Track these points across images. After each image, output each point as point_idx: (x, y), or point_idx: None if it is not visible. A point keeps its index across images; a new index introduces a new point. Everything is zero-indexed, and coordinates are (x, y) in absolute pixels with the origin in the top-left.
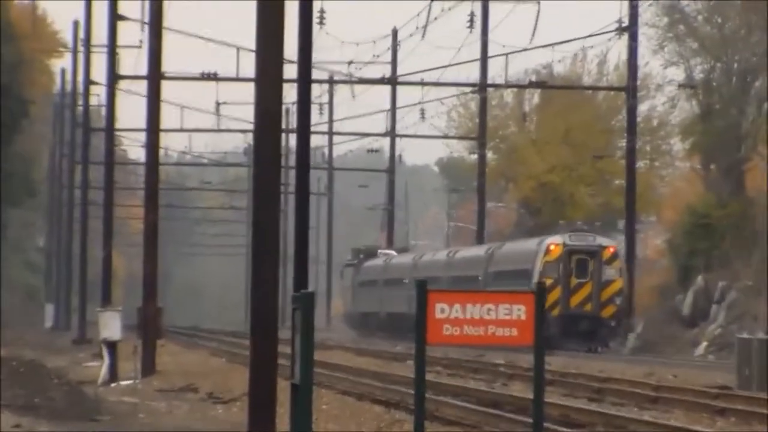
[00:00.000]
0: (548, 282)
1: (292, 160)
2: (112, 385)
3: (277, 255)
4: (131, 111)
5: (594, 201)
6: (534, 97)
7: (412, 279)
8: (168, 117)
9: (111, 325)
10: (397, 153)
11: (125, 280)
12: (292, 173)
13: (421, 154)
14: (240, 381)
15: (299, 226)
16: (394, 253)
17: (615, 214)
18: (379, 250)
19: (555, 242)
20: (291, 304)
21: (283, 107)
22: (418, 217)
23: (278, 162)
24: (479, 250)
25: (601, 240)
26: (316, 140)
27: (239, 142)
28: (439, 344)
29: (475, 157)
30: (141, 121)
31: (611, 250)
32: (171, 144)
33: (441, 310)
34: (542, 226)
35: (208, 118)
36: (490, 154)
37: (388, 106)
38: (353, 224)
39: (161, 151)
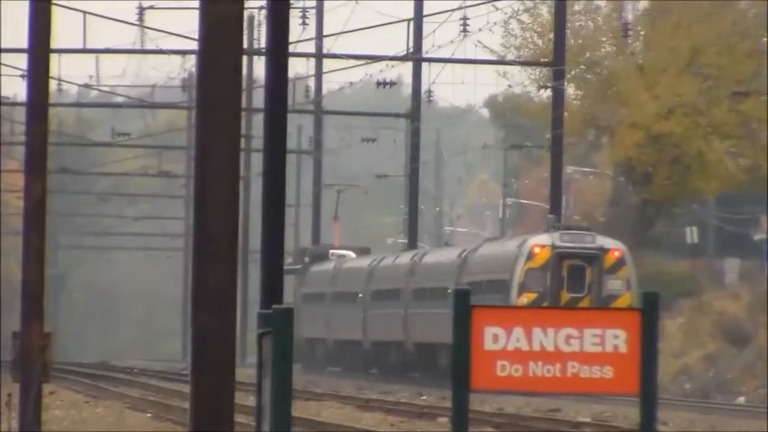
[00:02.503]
0: (530, 298)
1: (258, 100)
2: None
3: (234, 249)
4: (8, 23)
5: (736, 163)
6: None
7: (368, 293)
8: (65, 31)
9: None
10: (423, 87)
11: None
12: (258, 119)
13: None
14: None
15: (270, 202)
16: (351, 254)
17: None
18: (331, 251)
19: (540, 243)
20: (257, 326)
21: (246, 13)
22: (457, 189)
23: (237, 98)
24: (451, 254)
25: (603, 241)
26: (296, 65)
27: (174, 70)
28: (490, 390)
29: (547, 94)
30: (22, 38)
31: (616, 254)
32: (69, 73)
33: (493, 337)
34: (655, 203)
35: (127, 32)
36: (571, 90)
37: (409, 13)
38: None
39: (52, 85)
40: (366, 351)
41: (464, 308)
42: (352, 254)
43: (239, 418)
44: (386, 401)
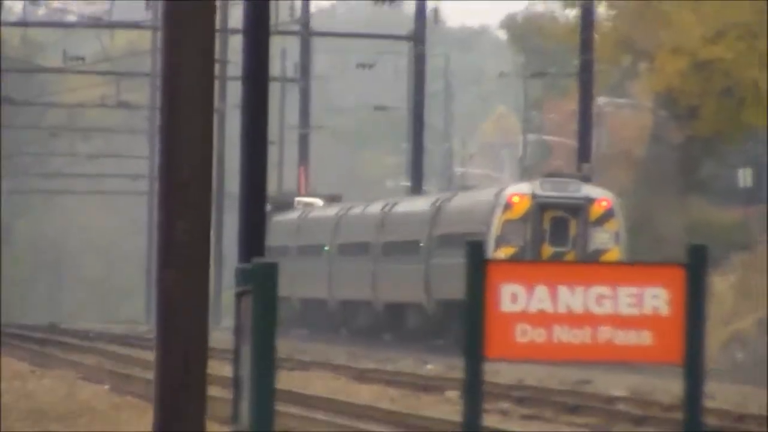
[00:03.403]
0: (508, 252)
1: (236, 19)
2: None
3: (207, 194)
4: None
5: None
6: None
7: (334, 246)
8: None
9: None
10: (429, 5)
11: None
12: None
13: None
14: (137, 428)
15: (250, 138)
16: (319, 202)
17: None
18: (296, 198)
19: (519, 192)
20: (234, 283)
21: None
22: (470, 123)
23: (211, 16)
24: (424, 203)
25: (589, 190)
26: None
27: None
28: (508, 359)
29: (575, 12)
30: None
31: (603, 203)
32: None
33: (512, 297)
34: (702, 140)
35: None
36: (603, 8)
37: None
38: (349, 136)
39: None
40: (332, 311)
41: (478, 263)
42: (320, 202)
43: (213, 390)
44: (385, 371)
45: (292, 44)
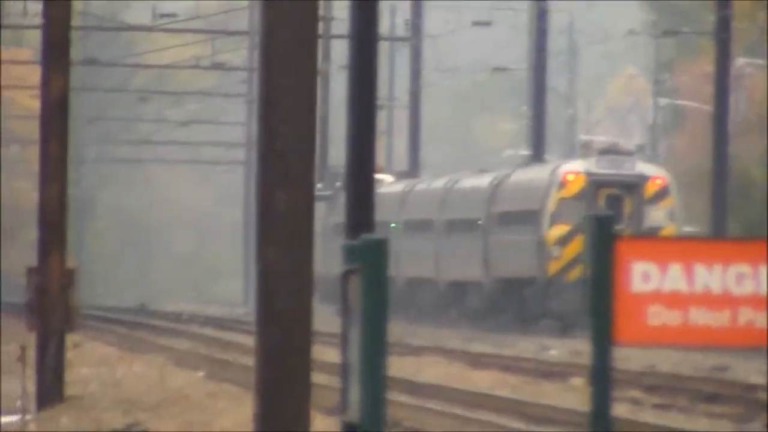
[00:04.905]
0: (563, 230)
1: None
2: None
3: (311, 165)
4: None
5: None
6: None
7: (400, 223)
8: None
9: None
10: None
11: (2, 212)
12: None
13: None
14: (234, 419)
15: (357, 103)
16: (390, 178)
17: None
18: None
19: (574, 170)
20: (342, 261)
21: None
22: (595, 86)
23: None
24: (483, 180)
25: (644, 167)
26: None
27: None
28: (640, 344)
29: None
30: None
31: (658, 181)
32: None
33: (643, 276)
34: None
35: None
36: None
37: None
38: (465, 103)
39: None
40: (398, 289)
41: (606, 239)
42: (389, 178)
43: (318, 378)
44: (503, 356)
45: (401, 1)
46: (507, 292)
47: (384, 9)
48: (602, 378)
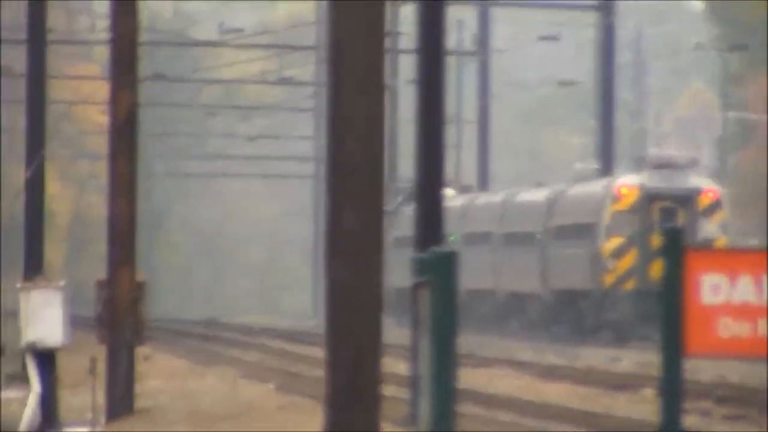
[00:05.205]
0: (618, 242)
1: None
2: None
3: (379, 179)
4: None
5: None
6: None
7: (460, 235)
8: None
9: (44, 318)
10: None
11: (72, 225)
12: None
13: None
14: (305, 431)
15: (425, 117)
16: (451, 192)
17: None
18: None
19: (628, 184)
20: (412, 274)
21: None
22: (664, 99)
23: None
24: (540, 194)
25: (697, 180)
26: None
27: None
28: (710, 356)
29: None
30: None
31: (710, 195)
32: None
33: (713, 288)
34: None
35: None
36: None
37: None
38: (532, 117)
39: None
40: (459, 301)
41: (676, 252)
42: (451, 192)
43: (389, 390)
44: (574, 368)
45: (470, 14)
46: (564, 303)
47: (451, 23)
48: (672, 389)
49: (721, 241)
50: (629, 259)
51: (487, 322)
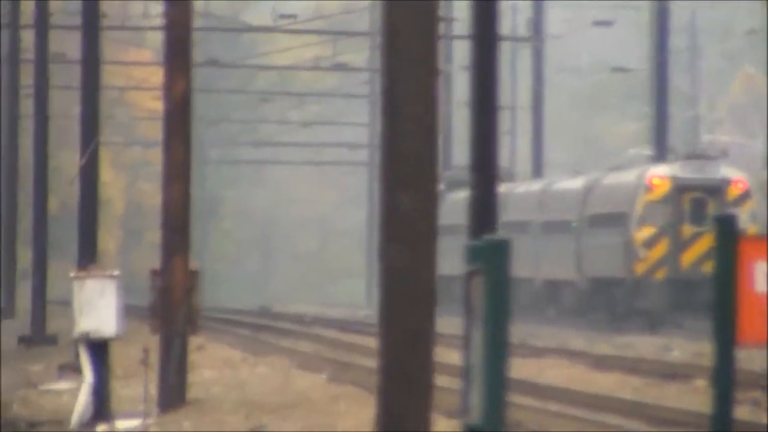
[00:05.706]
0: (650, 232)
1: None
2: (99, 430)
3: (434, 166)
4: None
5: None
6: None
7: (500, 224)
8: None
9: (98, 308)
10: None
11: (125, 214)
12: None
13: None
14: (356, 421)
15: (479, 104)
16: None
17: None
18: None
19: (659, 174)
20: (465, 261)
21: None
22: (718, 85)
23: None
24: (577, 183)
25: (726, 171)
26: None
27: None
28: (763, 345)
29: None
30: None
31: (740, 185)
32: None
33: (766, 276)
34: None
35: None
36: None
37: None
38: (586, 104)
39: None
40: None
41: (729, 239)
42: None
43: (441, 380)
44: (626, 358)
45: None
46: (598, 291)
47: (505, 9)
48: (724, 379)
49: (752, 230)
50: (660, 249)
51: (525, 310)
